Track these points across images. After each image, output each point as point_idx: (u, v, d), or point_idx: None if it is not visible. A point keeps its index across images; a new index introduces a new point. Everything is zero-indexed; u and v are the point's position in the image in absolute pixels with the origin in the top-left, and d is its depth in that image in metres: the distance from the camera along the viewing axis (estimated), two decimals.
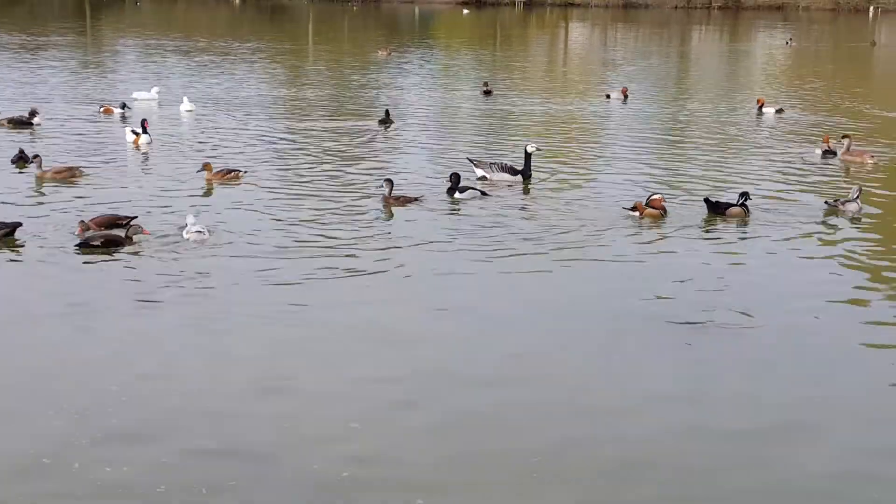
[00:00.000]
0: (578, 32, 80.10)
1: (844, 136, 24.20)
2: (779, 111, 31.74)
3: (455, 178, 18.76)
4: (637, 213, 17.10)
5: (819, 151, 24.02)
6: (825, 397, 10.27)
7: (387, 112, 28.27)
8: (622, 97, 34.66)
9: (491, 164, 20.51)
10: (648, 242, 15.93)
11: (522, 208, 18.24)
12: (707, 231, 16.84)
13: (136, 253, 14.38)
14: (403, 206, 17.70)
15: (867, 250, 16.00)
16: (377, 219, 16.96)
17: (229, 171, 19.67)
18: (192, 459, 8.62)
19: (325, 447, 8.92)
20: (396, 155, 23.50)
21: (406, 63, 48.06)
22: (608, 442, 9.16)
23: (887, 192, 20.26)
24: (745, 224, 17.20)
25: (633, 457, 8.90)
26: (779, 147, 25.67)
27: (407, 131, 26.99)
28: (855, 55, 61.64)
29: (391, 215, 17.21)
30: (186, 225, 15.33)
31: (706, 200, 17.73)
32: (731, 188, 19.80)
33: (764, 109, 31.79)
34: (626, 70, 48.07)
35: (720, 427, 9.51)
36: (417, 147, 24.73)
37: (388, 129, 27.06)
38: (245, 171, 19.93)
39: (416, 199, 18.05)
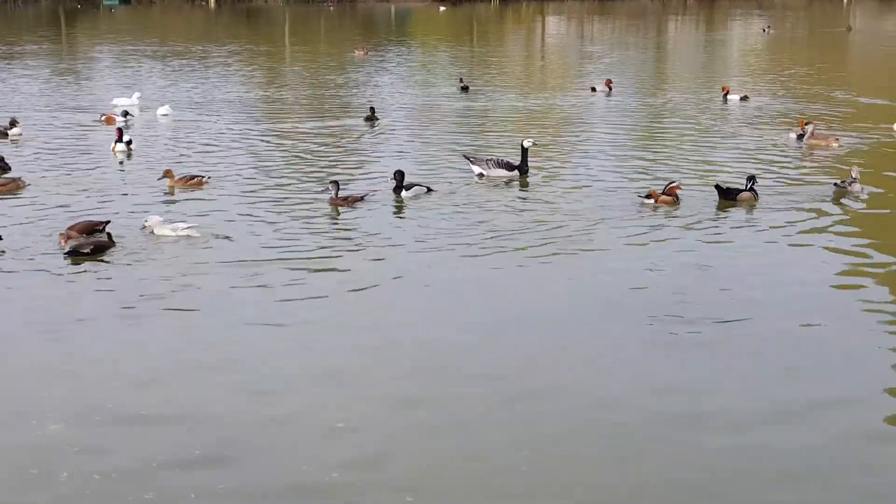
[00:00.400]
0: (555, 26, 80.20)
1: (807, 123, 24.50)
2: (743, 98, 32.00)
3: (399, 175, 18.47)
4: (652, 201, 17.20)
5: (794, 136, 24.30)
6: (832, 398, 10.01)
7: (371, 109, 28.35)
8: (607, 89, 34.74)
9: (487, 160, 20.29)
10: (666, 239, 15.55)
11: (521, 204, 18.03)
12: (718, 218, 16.72)
13: (113, 262, 14.12)
14: (351, 205, 17.35)
15: (879, 233, 16.07)
16: (365, 219, 16.83)
17: (192, 178, 19.18)
18: (180, 468, 8.47)
19: (317, 455, 8.74)
20: (385, 152, 23.42)
21: (384, 62, 48.03)
22: (604, 451, 8.90)
23: (876, 173, 20.41)
24: (754, 208, 17.25)
25: (631, 464, 8.66)
26: (755, 133, 25.84)
27: (393, 128, 27.00)
28: (831, 41, 61.95)
29: (338, 215, 16.90)
30: (147, 223, 15.32)
31: (717, 187, 17.75)
32: (722, 174, 19.97)
33: (729, 97, 32.10)
34: (605, 62, 48.14)
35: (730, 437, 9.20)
36: (405, 143, 24.70)
37: (375, 126, 27.11)
38: (209, 177, 19.48)
39: (362, 198, 17.73)
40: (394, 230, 16.09)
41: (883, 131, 25.75)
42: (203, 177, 19.42)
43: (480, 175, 19.97)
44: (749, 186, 17.67)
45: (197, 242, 15.04)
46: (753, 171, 19.31)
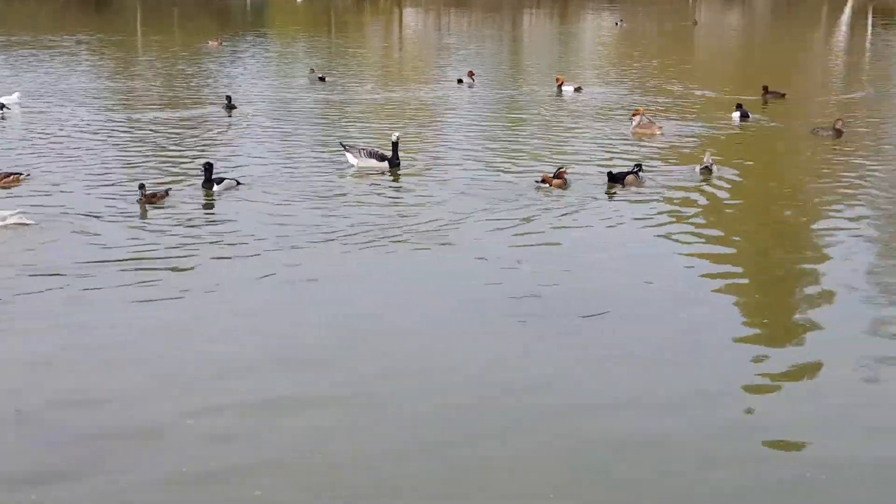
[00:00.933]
0: (412, 18, 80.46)
1: (635, 114, 25.64)
2: (577, 89, 32.88)
3: (208, 167, 18.04)
4: (546, 185, 18.12)
5: (635, 123, 25.21)
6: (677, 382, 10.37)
7: (228, 98, 28.28)
8: (471, 80, 35.11)
9: (360, 149, 20.22)
10: (536, 230, 15.77)
11: (391, 197, 17.98)
12: (590, 208, 17.12)
13: None
14: (160, 202, 16.80)
15: (741, 218, 17.07)
16: (218, 215, 16.49)
17: (8, 175, 18.11)
18: (8, 481, 8.22)
19: (173, 463, 8.59)
20: (241, 141, 23.25)
21: (239, 52, 47.36)
22: (464, 444, 8.92)
23: (725, 158, 21.28)
24: (639, 190, 18.26)
25: (492, 460, 8.73)
26: (600, 123, 26.71)
27: (251, 117, 26.85)
28: (679, 35, 63.99)
29: (146, 214, 16.29)
30: None
31: (609, 174, 18.78)
32: (577, 162, 20.84)
33: (563, 88, 32.95)
34: (462, 54, 48.58)
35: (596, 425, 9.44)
36: (263, 132, 24.63)
37: (232, 115, 26.93)
38: (27, 175, 18.48)
39: (166, 194, 17.10)
40: (255, 225, 15.68)
41: (723, 119, 26.85)
42: (21, 174, 18.39)
43: (352, 164, 19.95)
44: (634, 171, 18.78)
45: (31, 239, 14.45)
46: (604, 156, 20.17)
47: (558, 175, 18.43)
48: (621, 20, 70.87)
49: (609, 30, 66.74)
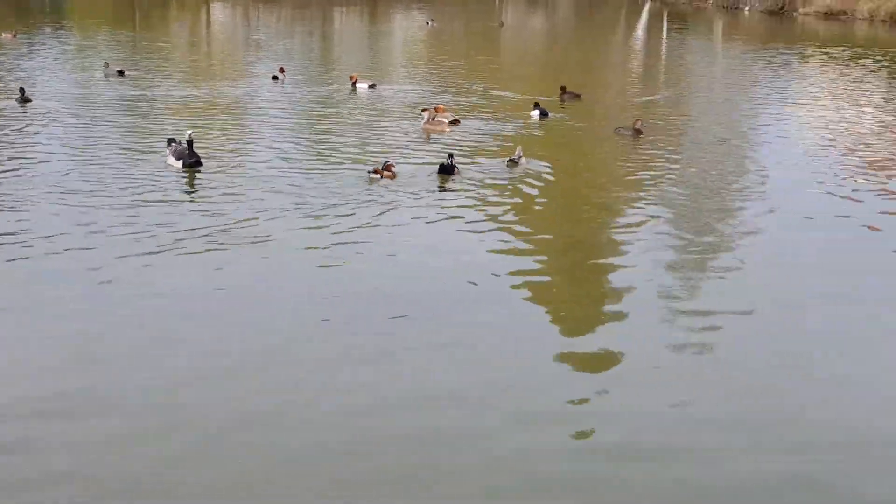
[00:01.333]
0: (220, 13, 79.02)
1: (424, 110, 26.34)
2: (371, 86, 33.21)
3: None
4: (378, 176, 18.65)
5: (446, 120, 25.78)
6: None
7: (21, 90, 27.33)
8: (282, 76, 34.77)
9: (173, 146, 19.68)
10: (347, 228, 15.75)
11: (203, 198, 17.46)
12: (403, 203, 17.28)
13: None
14: None
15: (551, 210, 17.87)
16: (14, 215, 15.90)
17: None
18: None
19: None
20: (35, 136, 22.48)
21: (36, 45, 45.41)
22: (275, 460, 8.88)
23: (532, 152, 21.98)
24: (463, 180, 19.07)
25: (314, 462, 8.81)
26: (389, 119, 27.17)
27: (47, 111, 25.91)
28: (485, 35, 65.30)
29: None
30: None
31: (441, 165, 19.43)
32: (399, 154, 21.21)
33: (357, 85, 33.23)
34: (272, 50, 48.09)
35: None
36: (59, 126, 23.89)
37: (26, 108, 25.95)
38: None
39: None
40: (51, 228, 15.02)
41: (523, 117, 27.61)
42: None
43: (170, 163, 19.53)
44: (450, 162, 19.35)
45: None
46: (415, 150, 21.32)
47: (387, 167, 18.89)
48: (432, 20, 71.75)
49: (420, 29, 67.44)
